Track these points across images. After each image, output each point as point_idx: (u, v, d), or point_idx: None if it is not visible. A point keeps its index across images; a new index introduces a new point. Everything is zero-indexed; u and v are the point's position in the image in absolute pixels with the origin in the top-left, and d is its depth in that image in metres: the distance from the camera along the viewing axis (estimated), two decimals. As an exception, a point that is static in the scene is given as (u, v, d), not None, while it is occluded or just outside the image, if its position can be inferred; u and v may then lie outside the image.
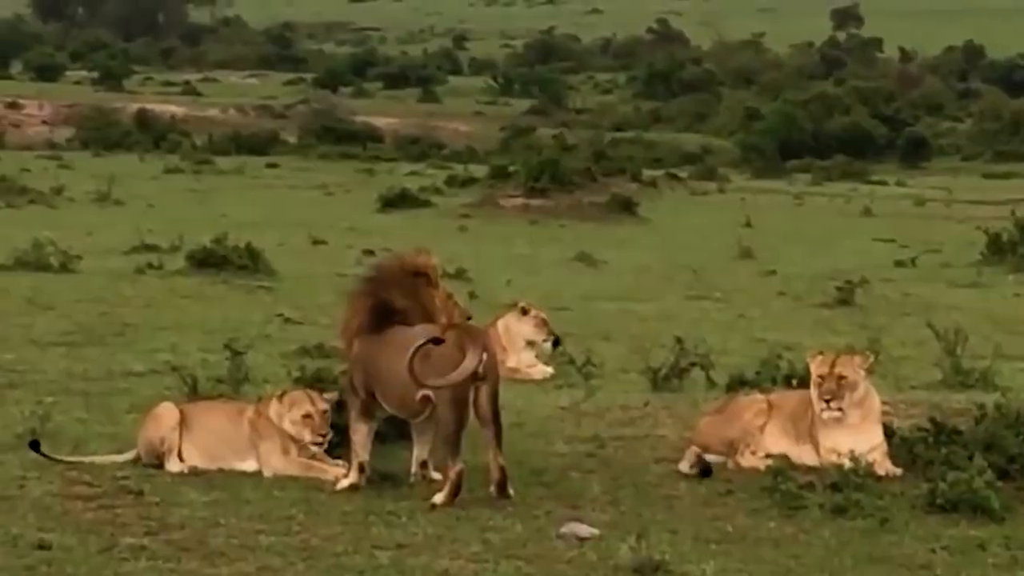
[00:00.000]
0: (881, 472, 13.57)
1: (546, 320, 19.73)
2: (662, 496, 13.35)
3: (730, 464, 14.03)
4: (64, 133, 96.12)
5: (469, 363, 12.71)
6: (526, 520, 12.45)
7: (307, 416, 13.61)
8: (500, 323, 19.50)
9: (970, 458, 13.34)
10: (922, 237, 40.70)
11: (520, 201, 47.35)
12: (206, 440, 13.88)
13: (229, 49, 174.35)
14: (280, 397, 13.79)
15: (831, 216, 49.71)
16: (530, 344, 19.46)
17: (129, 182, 55.03)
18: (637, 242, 40.17)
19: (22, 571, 10.91)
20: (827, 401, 13.74)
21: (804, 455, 13.95)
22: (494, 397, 12.96)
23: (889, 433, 14.12)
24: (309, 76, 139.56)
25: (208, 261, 29.75)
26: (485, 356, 12.84)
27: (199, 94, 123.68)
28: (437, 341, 12.83)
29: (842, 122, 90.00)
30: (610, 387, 17.97)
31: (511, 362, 18.80)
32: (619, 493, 13.36)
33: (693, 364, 18.01)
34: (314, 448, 13.65)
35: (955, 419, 14.37)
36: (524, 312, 19.66)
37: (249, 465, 13.74)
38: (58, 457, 13.85)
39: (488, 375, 12.90)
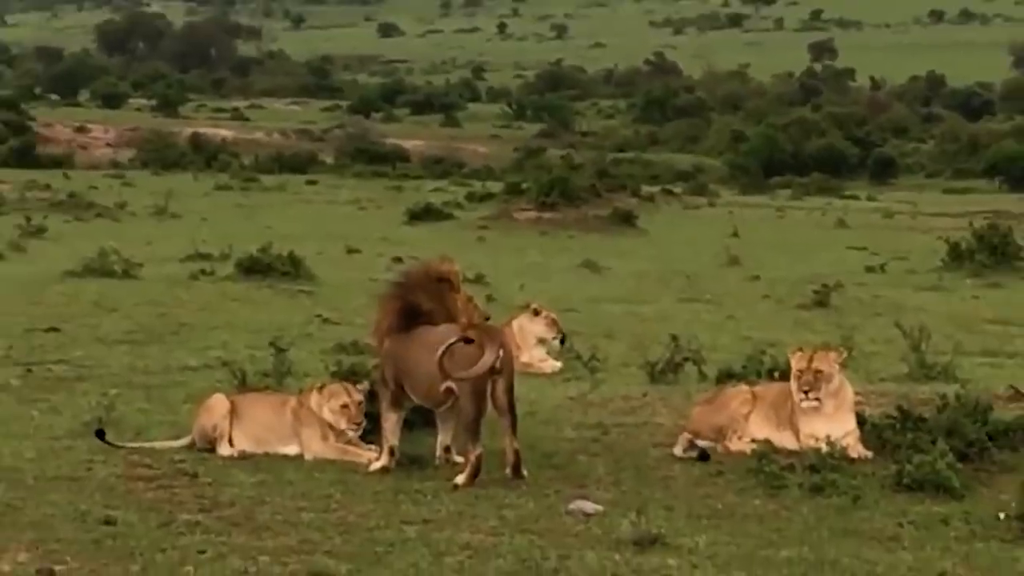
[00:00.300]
0: (854, 455, 13.54)
1: (556, 320, 19.72)
2: (659, 477, 13.33)
3: (719, 448, 14.01)
4: (126, 154, 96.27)
5: (487, 359, 12.72)
6: (538, 498, 12.44)
7: (344, 406, 13.65)
8: (515, 323, 19.49)
9: (933, 442, 13.32)
10: (890, 246, 40.63)
11: (532, 214, 47.32)
12: (254, 427, 13.92)
13: (273, 79, 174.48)
14: (320, 389, 13.83)
15: (809, 227, 49.65)
16: (541, 342, 19.45)
17: (184, 198, 55.07)
18: (637, 251, 40.13)
19: (90, 544, 10.92)
20: (806, 392, 13.72)
21: (785, 440, 13.92)
22: (510, 389, 12.96)
23: (861, 420, 14.09)
24: (344, 103, 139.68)
25: (255, 268, 29.76)
26: (502, 353, 12.85)
27: (246, 119, 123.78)
28: (468, 341, 12.85)
29: (819, 144, 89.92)
30: (613, 380, 17.95)
31: (524, 358, 18.76)
32: (621, 474, 13.34)
33: (686, 359, 18.01)
34: (350, 434, 13.68)
35: (920, 408, 14.34)
36: (536, 313, 19.66)
37: (292, 449, 13.78)
38: (121, 443, 13.87)
39: (504, 369, 12.90)
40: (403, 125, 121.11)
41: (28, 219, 41.63)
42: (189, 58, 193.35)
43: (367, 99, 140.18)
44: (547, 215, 46.96)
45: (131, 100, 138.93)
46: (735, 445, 13.95)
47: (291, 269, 29.92)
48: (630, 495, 12.64)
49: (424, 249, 35.79)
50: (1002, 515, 12.02)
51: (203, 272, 30.02)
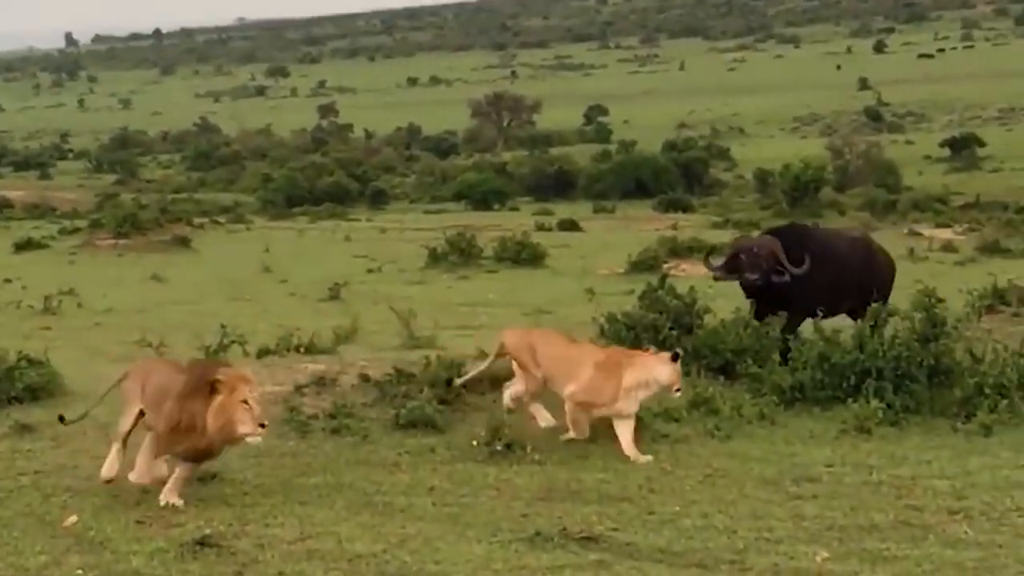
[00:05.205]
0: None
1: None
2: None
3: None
4: None
5: None
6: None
7: None
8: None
9: (421, 391, 13.51)
10: (385, 254, 40.91)
11: (111, 242, 46.23)
12: None
13: None
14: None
15: (323, 243, 49.60)
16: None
17: None
18: (192, 266, 39.60)
19: None
20: None
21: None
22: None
23: (366, 379, 14.24)
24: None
25: None
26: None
27: None
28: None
29: (328, 181, 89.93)
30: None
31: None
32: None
33: (233, 342, 17.85)
34: None
35: (411, 367, 14.50)
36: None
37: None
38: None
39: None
40: (7, 179, 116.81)
41: None
42: None
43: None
44: (122, 242, 45.95)
45: None
46: None
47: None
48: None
49: (29, 271, 34.82)
50: (475, 442, 12.25)
51: None
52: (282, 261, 39.52)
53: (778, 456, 12.17)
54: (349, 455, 12.07)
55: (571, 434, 12.53)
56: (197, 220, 57.70)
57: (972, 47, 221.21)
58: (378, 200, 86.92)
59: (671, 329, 15.13)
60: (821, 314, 15.40)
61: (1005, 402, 13.27)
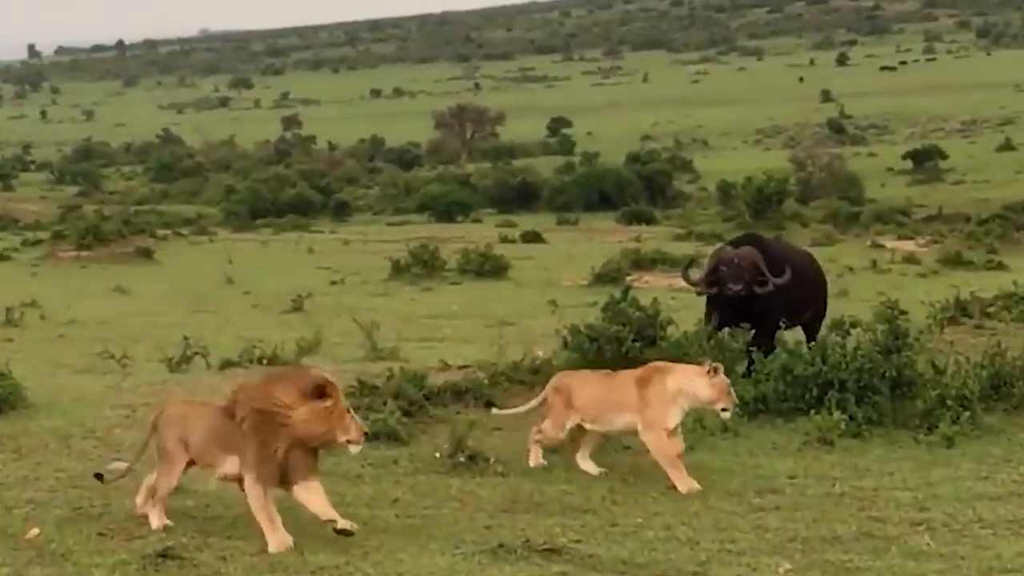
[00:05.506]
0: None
1: None
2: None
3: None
4: None
5: None
6: (84, 462, 12.19)
7: None
8: None
9: (384, 404, 13.49)
10: (349, 266, 40.93)
11: (74, 254, 46.15)
12: None
13: None
14: None
15: (287, 255, 49.57)
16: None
17: None
18: (156, 278, 39.57)
19: None
20: None
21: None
22: None
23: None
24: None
25: None
26: None
27: None
28: None
29: (291, 192, 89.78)
30: (140, 372, 17.65)
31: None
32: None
33: (196, 354, 17.86)
34: None
35: (374, 379, 14.50)
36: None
37: None
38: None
39: None
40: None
41: None
42: None
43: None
44: (85, 254, 45.88)
45: None
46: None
47: None
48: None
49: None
50: (438, 454, 12.25)
51: None
52: (245, 273, 39.49)
53: (741, 468, 12.21)
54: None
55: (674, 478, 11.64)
56: (160, 232, 57.65)
57: (934, 60, 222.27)
58: (341, 212, 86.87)
59: (634, 341, 15.15)
60: (784, 326, 15.51)
61: (967, 414, 13.34)
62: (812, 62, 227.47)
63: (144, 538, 9.99)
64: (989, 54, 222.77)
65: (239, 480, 10.02)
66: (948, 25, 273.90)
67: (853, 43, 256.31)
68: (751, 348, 15.15)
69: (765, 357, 14.60)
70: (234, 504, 10.76)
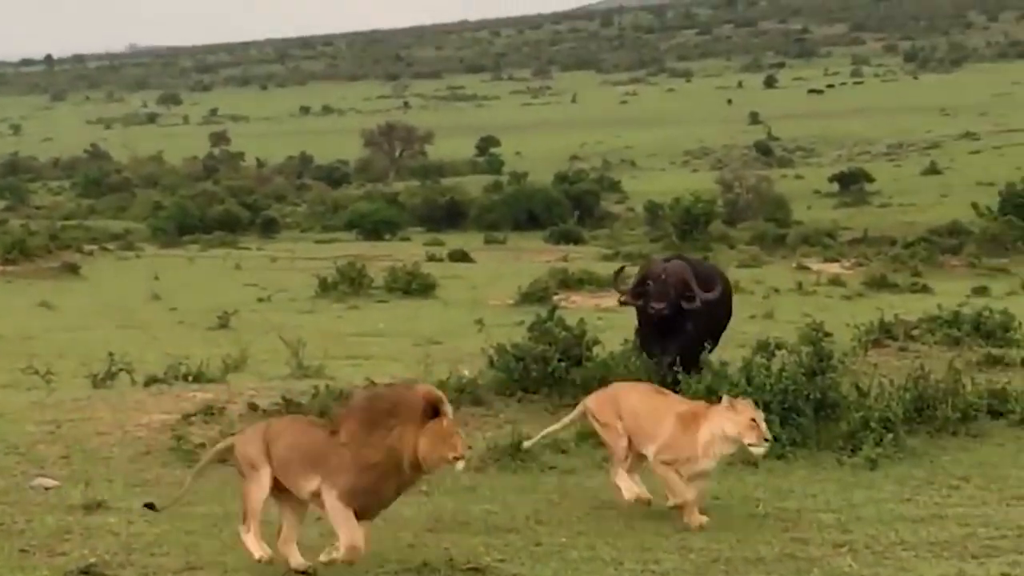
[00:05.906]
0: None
1: None
2: (102, 457, 13.17)
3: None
4: None
5: None
6: (8, 478, 12.14)
7: None
8: None
9: (310, 422, 13.47)
10: (276, 283, 40.73)
11: (-1, 268, 45.88)
12: None
13: None
14: None
15: (214, 272, 49.32)
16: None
17: None
18: (82, 293, 39.29)
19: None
20: None
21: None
22: None
23: (254, 407, 14.18)
24: None
25: None
26: None
27: None
28: None
29: (219, 209, 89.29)
30: (65, 387, 17.50)
31: None
32: (72, 456, 13.12)
33: (121, 370, 17.76)
34: None
35: (299, 397, 14.47)
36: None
37: None
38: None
39: None
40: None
41: None
42: None
43: None
44: (10, 268, 45.48)
45: None
46: None
47: None
48: (79, 472, 12.39)
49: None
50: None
51: None
52: (172, 289, 39.27)
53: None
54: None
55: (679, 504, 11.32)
56: (87, 247, 57.26)
57: (862, 83, 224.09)
58: (269, 229, 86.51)
59: (560, 361, 15.19)
60: (709, 347, 15.50)
61: (890, 436, 13.45)
62: (740, 84, 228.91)
63: (67, 555, 9.92)
64: (916, 78, 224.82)
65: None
66: (875, 49, 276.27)
67: (781, 66, 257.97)
68: (674, 368, 14.97)
69: (676, 378, 14.55)
70: (158, 520, 10.69)
